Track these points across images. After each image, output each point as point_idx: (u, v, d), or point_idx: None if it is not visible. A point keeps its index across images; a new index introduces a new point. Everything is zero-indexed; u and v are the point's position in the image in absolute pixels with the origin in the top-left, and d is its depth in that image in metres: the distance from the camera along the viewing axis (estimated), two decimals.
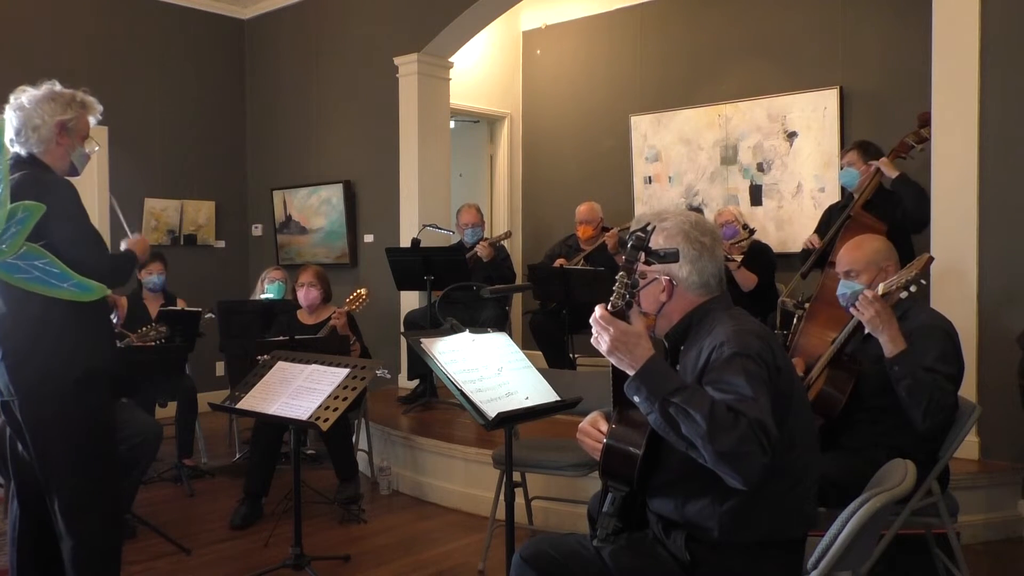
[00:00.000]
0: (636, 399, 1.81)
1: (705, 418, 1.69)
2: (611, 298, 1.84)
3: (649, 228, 1.86)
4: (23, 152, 2.70)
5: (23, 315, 2.61)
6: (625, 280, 1.82)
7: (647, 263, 1.87)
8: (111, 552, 2.79)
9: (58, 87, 2.80)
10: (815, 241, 4.62)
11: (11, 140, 2.71)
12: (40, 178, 2.64)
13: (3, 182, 2.52)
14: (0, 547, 3.79)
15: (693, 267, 1.99)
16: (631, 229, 1.89)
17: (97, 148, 2.91)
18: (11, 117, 2.72)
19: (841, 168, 4.58)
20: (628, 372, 1.81)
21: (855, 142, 4.71)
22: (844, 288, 2.93)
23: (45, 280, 2.57)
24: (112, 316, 3.00)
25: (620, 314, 1.82)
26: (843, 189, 4.98)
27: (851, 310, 2.81)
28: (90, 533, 2.71)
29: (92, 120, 2.87)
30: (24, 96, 2.75)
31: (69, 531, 2.69)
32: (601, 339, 1.83)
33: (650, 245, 1.85)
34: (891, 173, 4.24)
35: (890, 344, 2.67)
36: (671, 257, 1.87)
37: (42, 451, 2.66)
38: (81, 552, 2.70)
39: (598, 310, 1.84)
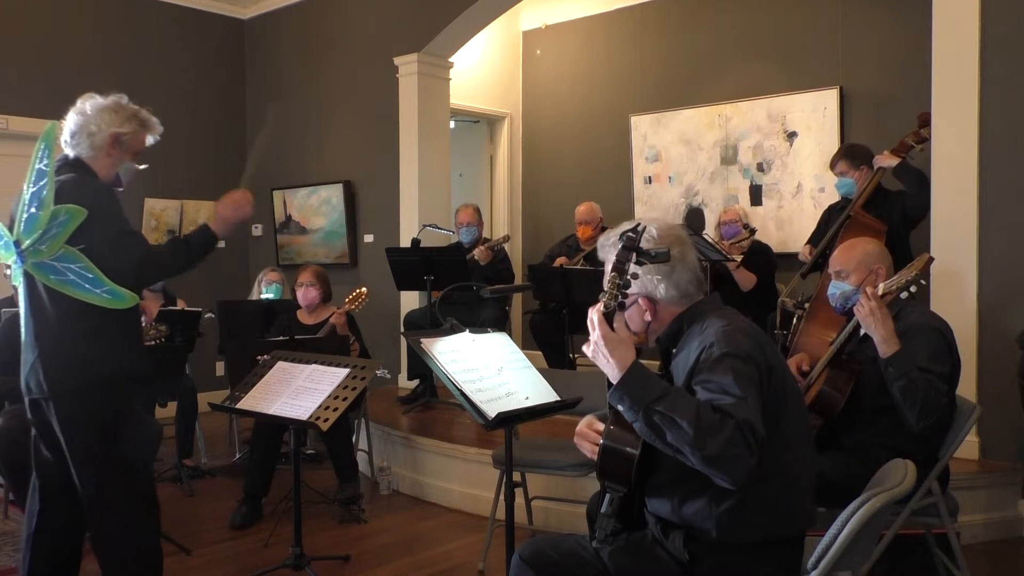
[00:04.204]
0: (620, 408, 1.81)
1: (692, 424, 1.68)
2: (603, 299, 1.84)
3: (639, 228, 1.86)
4: (72, 154, 2.73)
5: (60, 314, 2.63)
6: (617, 281, 1.83)
7: (638, 263, 1.87)
8: (145, 549, 2.78)
9: (124, 101, 2.82)
10: (807, 253, 4.63)
11: (65, 141, 2.74)
12: (82, 181, 2.65)
13: (48, 184, 2.55)
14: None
15: (668, 281, 1.98)
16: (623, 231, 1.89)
17: (145, 166, 2.91)
18: (71, 119, 2.75)
19: (837, 177, 4.58)
20: (610, 378, 1.82)
21: (841, 149, 4.72)
22: (834, 288, 2.95)
23: (79, 284, 2.59)
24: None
25: (612, 315, 1.82)
26: None
27: (851, 309, 2.81)
28: (120, 530, 2.71)
29: (150, 139, 2.89)
30: (89, 102, 2.77)
31: (100, 528, 2.70)
32: (589, 339, 1.84)
33: (641, 245, 1.85)
34: (892, 163, 4.25)
35: (883, 344, 2.67)
36: (662, 257, 1.87)
37: (73, 448, 2.66)
38: (111, 549, 2.70)
39: (595, 309, 1.84)
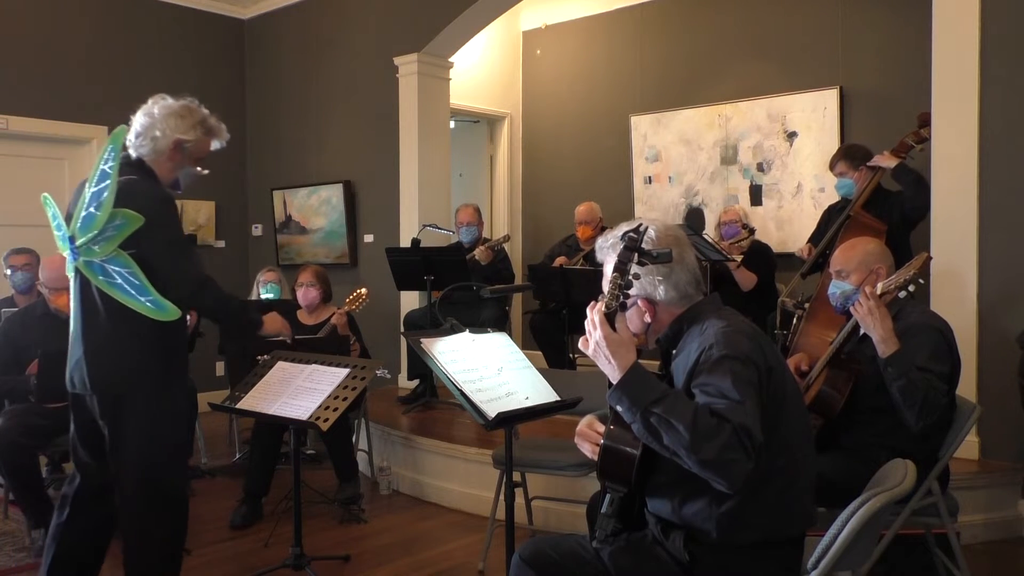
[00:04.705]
0: (619, 408, 1.81)
1: (688, 428, 1.68)
2: (604, 299, 1.84)
3: (641, 228, 1.86)
4: (134, 155, 2.74)
5: (110, 314, 2.64)
6: (619, 281, 1.82)
7: (640, 264, 1.86)
8: (172, 550, 2.80)
9: (194, 105, 2.84)
10: (807, 252, 4.63)
11: (130, 141, 2.76)
12: (143, 187, 2.66)
13: (111, 187, 2.56)
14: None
15: (667, 283, 1.97)
16: (624, 231, 1.88)
17: (206, 172, 2.93)
18: (138, 120, 2.77)
19: (836, 178, 4.59)
20: (610, 378, 1.82)
21: (840, 149, 4.72)
22: (834, 288, 2.95)
23: (124, 289, 2.61)
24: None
25: (612, 316, 1.82)
26: None
27: (850, 309, 2.81)
28: (152, 529, 2.73)
29: (215, 144, 2.91)
30: (158, 104, 2.78)
31: (134, 526, 2.71)
32: (588, 339, 1.83)
33: (643, 246, 1.84)
34: (890, 164, 4.26)
35: (882, 344, 2.67)
36: (664, 257, 1.86)
37: (115, 447, 2.68)
38: (141, 547, 2.72)
39: (596, 310, 1.84)
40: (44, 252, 4.48)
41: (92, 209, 2.58)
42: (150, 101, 2.80)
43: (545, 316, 5.52)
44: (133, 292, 2.60)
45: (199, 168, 2.89)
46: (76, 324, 2.72)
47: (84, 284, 2.68)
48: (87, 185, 2.63)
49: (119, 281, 2.60)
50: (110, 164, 2.58)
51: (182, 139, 2.76)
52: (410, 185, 6.14)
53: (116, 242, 2.57)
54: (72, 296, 2.75)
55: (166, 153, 2.75)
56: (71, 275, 2.75)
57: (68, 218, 2.71)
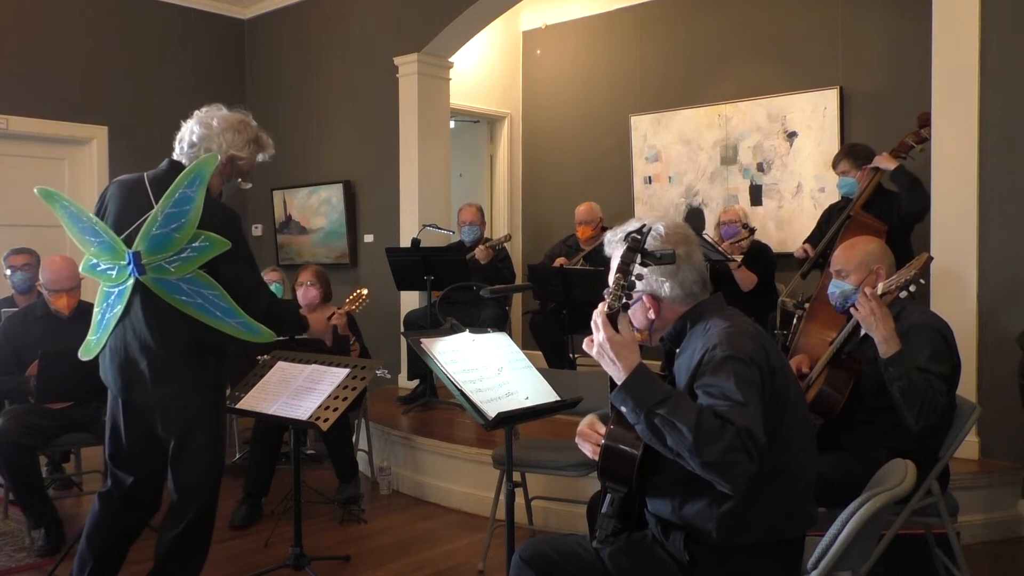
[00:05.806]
0: (623, 409, 1.81)
1: (691, 429, 1.68)
2: (607, 300, 1.84)
3: (644, 229, 1.86)
4: (185, 162, 2.70)
5: (181, 329, 2.62)
6: (621, 282, 1.82)
7: (643, 264, 1.86)
8: (206, 547, 2.84)
9: (249, 119, 2.82)
10: (806, 250, 4.63)
11: (182, 149, 2.73)
12: (217, 208, 2.64)
13: (194, 206, 2.54)
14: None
15: (674, 280, 1.97)
16: (627, 231, 1.88)
17: (249, 185, 2.92)
18: (194, 129, 2.74)
19: (838, 177, 4.59)
20: (615, 379, 1.82)
21: (843, 149, 4.73)
22: (834, 287, 2.95)
23: (207, 310, 2.60)
24: None
25: (615, 316, 1.82)
26: None
27: (850, 309, 2.81)
28: (200, 534, 2.78)
29: (260, 157, 2.88)
30: (217, 117, 2.76)
31: (185, 523, 2.73)
32: (593, 341, 1.83)
33: (646, 246, 1.84)
34: (889, 166, 4.27)
35: (883, 344, 2.67)
36: (667, 259, 1.86)
37: (180, 457, 2.71)
38: (184, 543, 2.75)
39: (600, 311, 1.84)
40: (44, 252, 4.48)
41: (168, 229, 2.55)
42: (204, 109, 2.77)
43: (545, 316, 5.52)
44: (218, 314, 2.60)
45: (240, 181, 2.86)
46: (134, 336, 2.64)
47: (146, 297, 2.62)
48: (159, 204, 2.57)
49: (200, 302, 2.59)
50: (194, 190, 2.55)
51: (236, 155, 2.75)
52: (410, 185, 6.14)
53: (196, 263, 2.56)
54: (121, 305, 2.65)
55: (218, 167, 2.71)
56: (110, 281, 2.68)
57: (102, 218, 2.69)
